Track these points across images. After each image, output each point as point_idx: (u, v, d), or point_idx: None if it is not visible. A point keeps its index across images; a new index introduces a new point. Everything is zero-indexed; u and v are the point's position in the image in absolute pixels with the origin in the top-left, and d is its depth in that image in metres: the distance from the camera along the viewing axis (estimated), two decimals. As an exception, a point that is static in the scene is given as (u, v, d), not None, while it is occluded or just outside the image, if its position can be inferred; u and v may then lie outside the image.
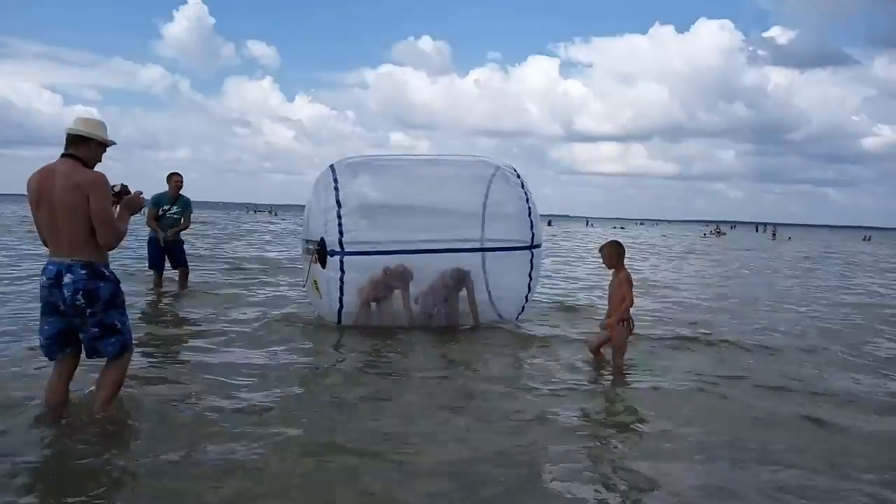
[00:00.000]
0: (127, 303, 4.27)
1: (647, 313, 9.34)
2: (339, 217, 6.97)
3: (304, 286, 8.27)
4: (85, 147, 3.98)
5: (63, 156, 3.97)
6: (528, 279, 7.90)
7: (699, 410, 4.96)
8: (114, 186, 4.10)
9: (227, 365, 5.67)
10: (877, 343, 8.10)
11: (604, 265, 6.21)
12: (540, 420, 4.57)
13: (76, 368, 4.23)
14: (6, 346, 6.02)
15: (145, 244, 9.45)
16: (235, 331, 7.13)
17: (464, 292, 7.80)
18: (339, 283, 7.00)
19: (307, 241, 7.93)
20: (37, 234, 4.08)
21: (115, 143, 4.19)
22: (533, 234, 7.79)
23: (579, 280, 14.37)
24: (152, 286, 9.50)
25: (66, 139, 3.99)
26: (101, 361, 4.14)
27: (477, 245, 7.98)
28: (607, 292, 6.21)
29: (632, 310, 5.98)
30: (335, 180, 7.18)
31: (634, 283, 6.07)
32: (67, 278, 3.86)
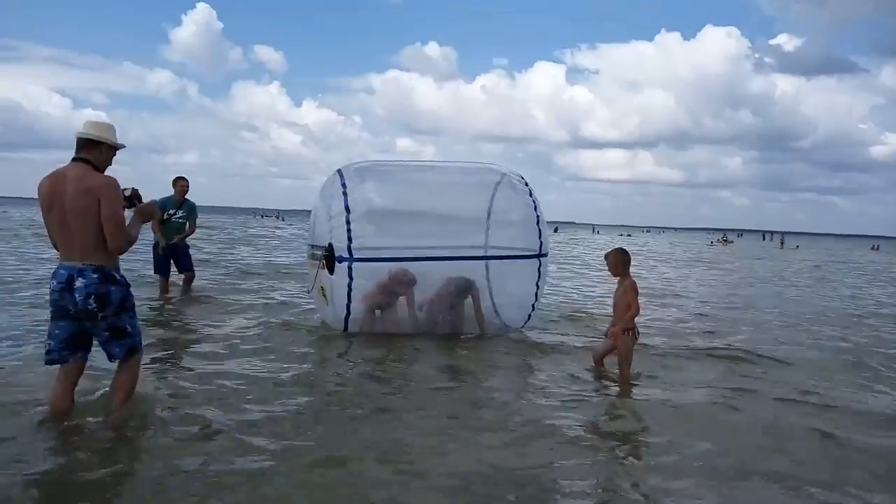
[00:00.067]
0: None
1: (656, 323, 9.28)
2: (348, 223, 6.92)
3: (309, 292, 8.23)
4: (96, 151, 4.01)
5: (74, 160, 3.99)
6: (535, 287, 7.84)
7: (709, 424, 4.89)
8: (124, 190, 4.12)
9: (232, 373, 5.62)
10: (891, 354, 8.01)
11: (609, 273, 6.16)
12: (547, 432, 4.51)
13: (82, 374, 4.24)
14: (11, 352, 6.00)
15: (150, 249, 9.44)
16: (241, 338, 7.08)
17: (469, 300, 7.75)
18: (347, 289, 6.95)
19: (313, 246, 7.90)
20: (46, 238, 4.09)
21: (125, 147, 4.21)
22: (541, 243, 7.74)
23: (585, 288, 14.30)
24: (158, 291, 9.48)
25: (77, 143, 4.02)
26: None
27: (484, 252, 7.92)
28: (612, 300, 6.15)
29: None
30: (343, 185, 7.14)
31: (642, 292, 6.00)
32: (79, 282, 3.89)
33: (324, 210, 7.58)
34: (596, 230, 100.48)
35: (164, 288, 9.52)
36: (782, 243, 63.46)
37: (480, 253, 7.94)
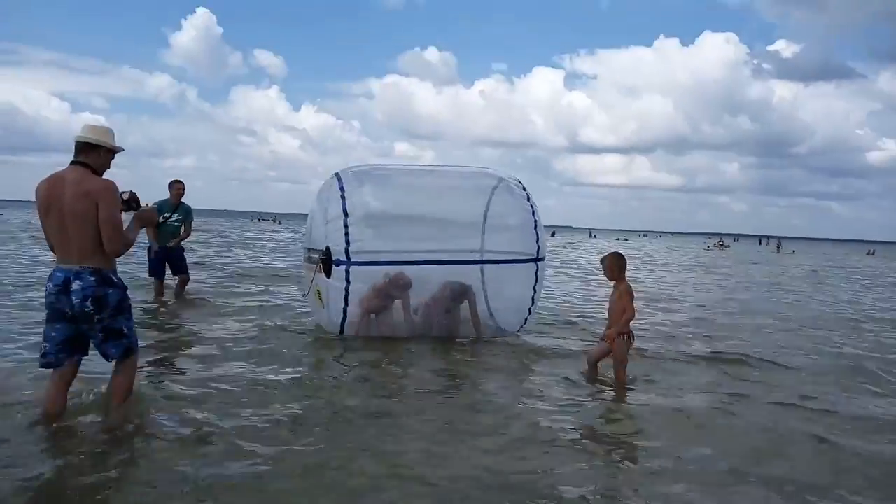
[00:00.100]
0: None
1: (653, 327, 9.26)
2: (346, 226, 6.90)
3: (305, 295, 8.19)
4: (94, 154, 4.03)
5: (72, 163, 4.00)
6: (533, 292, 7.82)
7: (706, 428, 4.87)
8: (122, 193, 4.12)
9: (227, 377, 5.58)
10: (890, 359, 8.00)
11: (605, 277, 6.15)
12: (543, 437, 4.49)
13: (75, 377, 4.22)
14: (3, 353, 5.96)
15: (145, 252, 9.39)
16: (236, 341, 7.05)
17: (465, 304, 7.73)
18: (344, 293, 6.92)
19: (309, 249, 7.88)
20: (42, 241, 4.07)
21: (123, 150, 4.22)
22: (538, 247, 7.73)
23: (581, 292, 14.28)
24: (153, 294, 9.43)
25: (76, 147, 4.03)
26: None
27: (481, 256, 7.90)
28: (608, 304, 6.13)
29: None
30: (342, 189, 7.11)
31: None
32: (76, 285, 3.89)
33: (321, 213, 7.56)
34: (593, 234, 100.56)
35: (159, 291, 9.47)
36: (779, 248, 63.56)
37: (478, 257, 7.92)
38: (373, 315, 7.43)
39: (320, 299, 7.44)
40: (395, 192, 8.19)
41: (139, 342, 4.43)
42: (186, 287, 9.84)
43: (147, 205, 4.68)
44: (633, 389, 5.89)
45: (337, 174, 7.44)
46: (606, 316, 6.14)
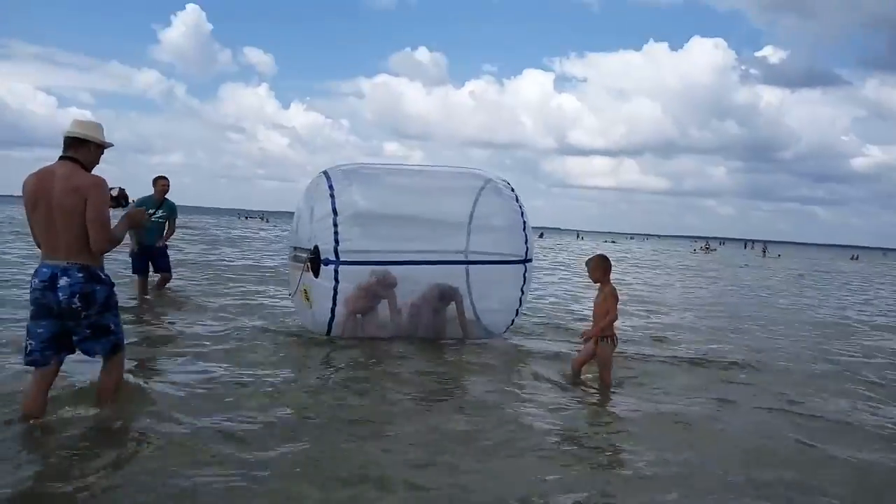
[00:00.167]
0: None
1: (640, 331, 9.24)
2: (336, 225, 6.83)
3: (291, 296, 8.09)
4: (84, 150, 3.97)
5: (61, 158, 3.95)
6: (520, 293, 7.79)
7: (695, 434, 4.83)
8: (111, 190, 4.08)
9: (212, 379, 5.47)
10: (878, 364, 8.02)
11: (590, 279, 6.14)
12: (531, 444, 4.41)
13: (57, 376, 4.15)
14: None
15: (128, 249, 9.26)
16: (219, 342, 6.92)
17: (452, 305, 7.68)
18: (332, 292, 6.85)
19: (296, 248, 7.79)
20: (24, 236, 3.99)
21: (112, 146, 4.18)
22: (527, 248, 7.70)
23: (568, 293, 14.26)
24: (136, 292, 9.30)
25: (64, 142, 3.97)
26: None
27: (472, 257, 7.86)
28: (593, 306, 6.11)
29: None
30: (331, 187, 7.04)
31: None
32: (63, 281, 3.84)
33: (307, 212, 7.49)
34: (581, 236, 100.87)
35: (143, 288, 9.34)
36: (765, 252, 64.02)
37: (464, 258, 7.86)
38: (359, 315, 7.35)
39: (307, 299, 7.36)
40: (383, 191, 8.13)
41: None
42: (169, 285, 9.72)
43: (133, 201, 4.59)
44: (619, 393, 5.86)
45: (325, 172, 7.36)
46: (592, 318, 6.11)
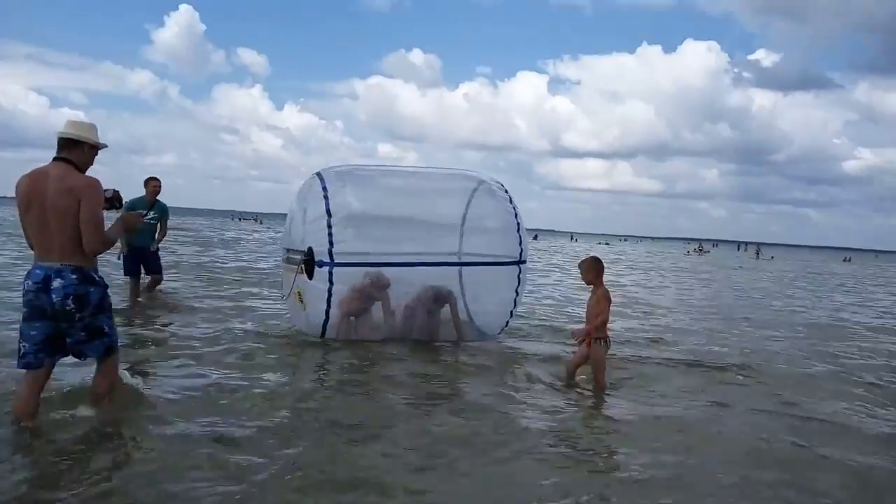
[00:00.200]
0: None
1: (635, 332, 9.23)
2: (330, 227, 6.78)
3: (284, 298, 8.02)
4: (78, 151, 3.95)
5: (55, 159, 3.92)
6: (515, 294, 7.78)
7: (690, 437, 4.80)
8: (106, 191, 4.05)
9: (204, 384, 5.39)
10: (873, 365, 8.02)
11: (583, 280, 6.13)
12: (527, 448, 4.36)
13: (48, 379, 4.11)
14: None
15: (120, 252, 9.18)
16: (214, 345, 6.85)
17: (446, 308, 7.65)
18: (327, 294, 6.80)
19: (288, 250, 7.74)
20: (12, 237, 3.95)
21: (106, 146, 4.16)
22: (521, 250, 7.68)
23: (562, 295, 14.23)
24: (128, 294, 9.20)
25: (58, 143, 3.94)
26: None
27: (465, 259, 7.83)
28: (586, 308, 6.09)
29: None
30: (325, 189, 7.00)
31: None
32: (57, 283, 3.81)
33: (300, 214, 7.45)
34: (574, 238, 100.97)
35: (135, 291, 9.27)
36: (758, 254, 64.19)
37: (459, 260, 7.84)
38: (352, 318, 7.31)
39: (301, 301, 7.31)
40: (377, 192, 8.11)
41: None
42: (162, 287, 9.64)
43: (125, 202, 4.53)
44: (615, 395, 5.84)
45: (318, 174, 7.32)
46: (585, 319, 6.07)
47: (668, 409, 5.49)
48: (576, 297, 13.77)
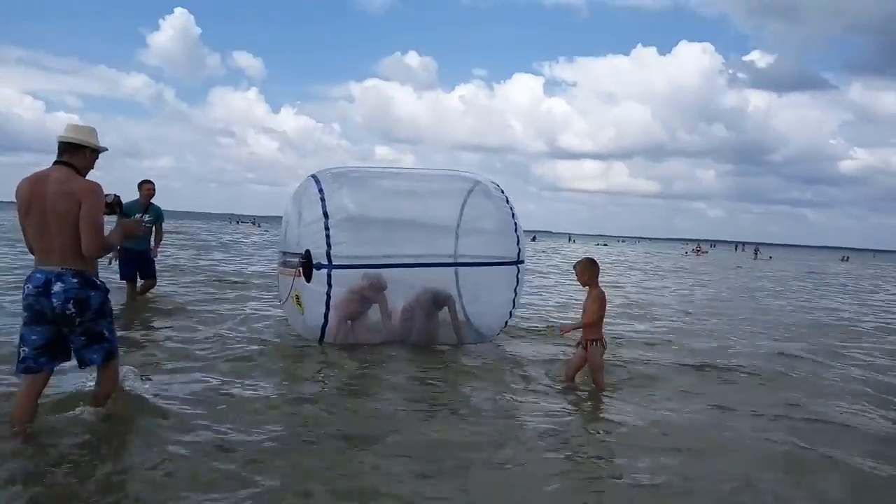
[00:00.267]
0: None
1: (637, 334, 9.15)
2: (328, 229, 6.70)
3: (282, 302, 7.90)
4: (79, 155, 3.97)
5: (56, 163, 3.94)
6: (514, 294, 7.72)
7: (690, 440, 4.71)
8: (106, 196, 4.05)
9: (202, 391, 5.28)
10: (874, 365, 7.94)
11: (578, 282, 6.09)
12: (527, 455, 4.28)
13: (46, 384, 4.08)
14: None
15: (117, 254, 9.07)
16: (208, 351, 6.73)
17: (445, 310, 7.57)
18: (325, 297, 6.71)
19: (285, 253, 7.65)
20: (13, 242, 3.90)
21: (107, 150, 4.17)
22: (519, 250, 7.63)
23: (561, 297, 14.16)
24: (125, 299, 9.13)
25: (59, 147, 3.96)
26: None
27: (464, 260, 7.76)
28: (582, 310, 6.04)
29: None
30: (321, 191, 6.93)
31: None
32: (58, 287, 3.80)
33: (296, 216, 7.39)
34: (572, 239, 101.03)
35: (132, 295, 9.23)
36: (756, 254, 64.22)
37: (457, 260, 7.77)
38: (349, 321, 7.21)
39: (299, 304, 7.20)
40: (373, 194, 8.05)
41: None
42: (162, 291, 9.56)
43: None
44: (616, 398, 5.77)
45: (314, 176, 7.26)
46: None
47: (669, 411, 5.43)
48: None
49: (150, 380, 5.48)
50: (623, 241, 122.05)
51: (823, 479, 4.10)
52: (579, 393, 5.92)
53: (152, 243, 9.28)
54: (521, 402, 5.59)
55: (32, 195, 3.81)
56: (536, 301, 12.61)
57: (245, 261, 20.41)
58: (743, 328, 10.67)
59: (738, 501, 3.73)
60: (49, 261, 3.84)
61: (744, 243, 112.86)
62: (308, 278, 6.93)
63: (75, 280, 3.83)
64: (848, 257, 75.84)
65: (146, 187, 9.05)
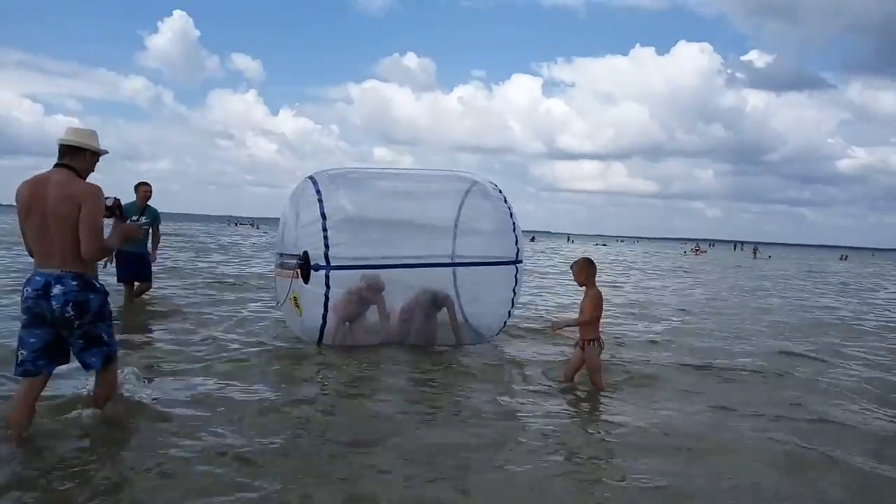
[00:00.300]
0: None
1: (639, 334, 9.11)
2: (325, 230, 6.66)
3: (279, 304, 7.85)
4: (80, 158, 3.97)
5: (56, 166, 3.94)
6: (512, 294, 7.70)
7: (690, 442, 4.65)
8: (107, 199, 4.05)
9: (200, 395, 5.21)
10: (877, 363, 7.90)
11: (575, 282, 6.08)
12: (528, 458, 4.23)
13: (44, 387, 4.06)
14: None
15: (113, 257, 9.03)
16: (207, 354, 6.68)
17: (443, 311, 7.54)
18: (324, 298, 6.68)
19: (282, 255, 7.61)
20: (11, 245, 3.87)
21: (107, 153, 4.17)
22: (517, 249, 7.61)
23: (561, 298, 14.08)
24: (122, 301, 9.07)
25: (59, 150, 3.96)
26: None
27: (462, 260, 7.72)
28: (579, 310, 6.01)
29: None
30: (318, 192, 6.89)
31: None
32: (57, 289, 3.80)
33: (293, 218, 7.36)
34: (571, 239, 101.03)
35: (129, 297, 9.21)
36: (755, 253, 64.20)
37: (456, 260, 7.74)
38: (347, 323, 7.17)
39: (297, 306, 7.16)
40: (371, 195, 8.02)
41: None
42: (161, 294, 9.53)
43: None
44: (616, 399, 5.74)
45: (311, 177, 7.22)
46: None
47: (670, 411, 5.39)
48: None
49: (149, 382, 5.44)
50: (622, 241, 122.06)
51: (825, 479, 4.07)
52: (579, 393, 5.89)
53: (150, 246, 9.25)
54: (520, 403, 5.56)
55: (33, 198, 3.81)
56: (538, 301, 12.57)
57: (244, 263, 20.36)
58: (743, 327, 10.62)
59: (740, 502, 3.69)
60: (49, 263, 3.83)
61: (742, 242, 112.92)
62: (306, 280, 6.89)
63: (75, 283, 3.82)
64: (847, 256, 75.88)
65: (143, 189, 9.03)
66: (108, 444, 4.04)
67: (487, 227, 7.83)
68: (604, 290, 5.98)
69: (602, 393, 5.83)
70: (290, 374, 6.23)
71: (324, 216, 6.71)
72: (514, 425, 4.94)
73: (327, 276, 6.64)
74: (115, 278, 9.09)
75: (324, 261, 6.65)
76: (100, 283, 4.01)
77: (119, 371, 4.61)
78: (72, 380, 4.95)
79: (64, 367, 4.20)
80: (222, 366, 6.20)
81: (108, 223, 4.13)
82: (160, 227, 9.45)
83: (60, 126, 3.99)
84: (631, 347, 8.04)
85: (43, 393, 4.10)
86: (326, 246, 6.64)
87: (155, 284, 9.78)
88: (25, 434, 3.96)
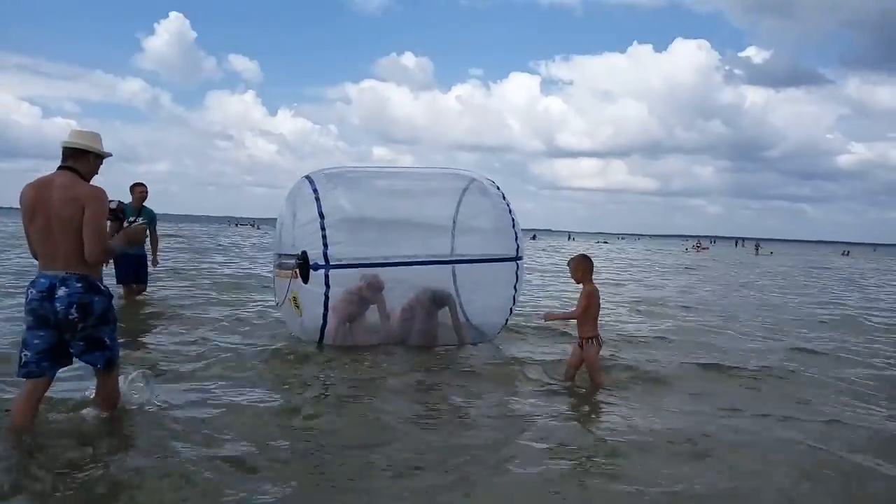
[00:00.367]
0: None
1: (643, 333, 9.01)
2: (323, 229, 6.59)
3: (279, 305, 7.77)
4: (84, 160, 3.98)
5: (60, 168, 3.95)
6: (513, 291, 7.63)
7: (693, 443, 4.55)
8: (110, 202, 4.06)
9: (197, 399, 5.12)
10: (881, 362, 7.81)
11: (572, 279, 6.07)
12: (528, 461, 4.14)
13: (47, 390, 4.05)
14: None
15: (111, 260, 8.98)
16: (207, 356, 6.56)
17: (444, 310, 7.47)
18: (323, 298, 6.60)
19: (280, 255, 7.53)
20: (13, 247, 3.82)
21: (111, 155, 4.17)
22: (517, 246, 7.54)
23: (561, 296, 13.98)
24: (121, 302, 9.00)
25: (63, 152, 3.97)
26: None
27: (462, 258, 7.65)
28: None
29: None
30: (315, 191, 6.83)
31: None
32: (62, 291, 3.81)
33: (290, 218, 7.31)
34: (572, 237, 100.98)
35: (128, 298, 9.20)
36: (757, 249, 64.12)
37: (455, 258, 7.68)
38: (347, 323, 7.09)
39: (297, 306, 7.07)
40: (369, 193, 7.95)
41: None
42: (161, 294, 9.49)
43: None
44: (620, 400, 5.64)
45: (307, 177, 7.16)
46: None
47: (674, 411, 5.32)
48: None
49: (150, 385, 5.36)
50: (623, 239, 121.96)
51: (835, 479, 3.99)
52: (581, 393, 5.81)
53: (147, 247, 9.19)
54: (523, 403, 5.48)
55: (37, 200, 3.81)
56: (539, 299, 12.46)
57: (244, 263, 20.28)
58: (748, 325, 10.53)
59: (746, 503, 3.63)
60: (53, 266, 3.84)
61: (744, 239, 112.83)
62: (305, 280, 6.81)
63: (79, 285, 3.83)
64: (849, 251, 75.84)
65: (139, 190, 8.99)
66: (110, 446, 3.98)
67: (486, 225, 7.79)
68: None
69: (607, 392, 5.76)
70: (291, 375, 6.13)
71: (322, 215, 6.64)
72: (517, 426, 4.86)
73: (327, 276, 6.58)
74: (114, 279, 9.04)
75: (323, 260, 6.58)
76: (104, 286, 4.01)
77: (127, 374, 4.67)
78: (73, 382, 4.91)
79: (66, 369, 4.18)
80: (222, 367, 6.12)
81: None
82: (157, 228, 9.41)
83: (59, 128, 3.93)
84: (634, 345, 7.95)
85: (45, 394, 4.08)
86: (325, 245, 6.57)
87: (155, 285, 9.76)
88: (29, 436, 3.93)
